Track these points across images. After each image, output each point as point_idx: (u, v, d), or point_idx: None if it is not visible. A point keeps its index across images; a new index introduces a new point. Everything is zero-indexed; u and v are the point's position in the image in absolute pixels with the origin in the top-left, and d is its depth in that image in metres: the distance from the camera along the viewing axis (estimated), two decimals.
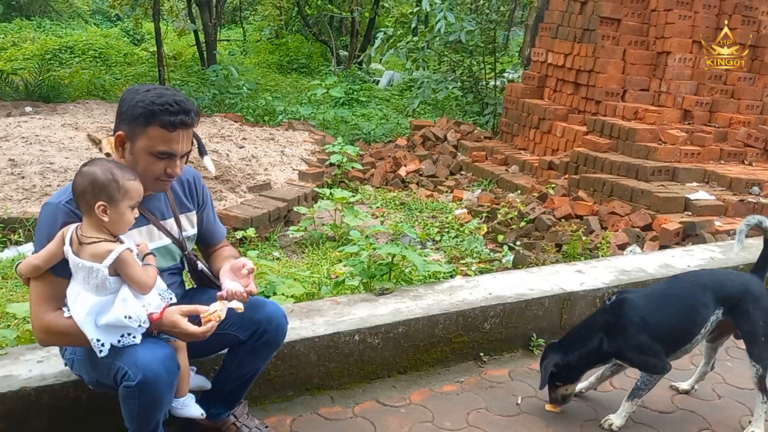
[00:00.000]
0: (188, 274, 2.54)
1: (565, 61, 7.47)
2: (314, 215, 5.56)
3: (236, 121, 9.27)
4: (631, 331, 2.80)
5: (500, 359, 3.47)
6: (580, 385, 3.16)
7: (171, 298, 2.24)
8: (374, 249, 3.52)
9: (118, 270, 2.01)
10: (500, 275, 3.79)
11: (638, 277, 3.89)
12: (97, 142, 4.98)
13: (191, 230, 2.46)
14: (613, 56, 7.00)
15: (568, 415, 3.02)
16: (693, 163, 6.11)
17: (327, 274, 4.53)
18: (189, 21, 14.28)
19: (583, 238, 4.75)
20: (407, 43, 9.35)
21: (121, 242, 2.07)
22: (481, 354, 3.44)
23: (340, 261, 5.00)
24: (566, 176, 6.52)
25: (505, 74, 10.46)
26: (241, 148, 7.50)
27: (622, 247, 4.77)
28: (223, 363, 2.56)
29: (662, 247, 4.81)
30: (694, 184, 5.83)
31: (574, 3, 7.41)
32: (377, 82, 15.08)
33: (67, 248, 2.04)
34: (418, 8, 9.09)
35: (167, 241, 2.37)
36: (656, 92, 6.96)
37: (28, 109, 8.85)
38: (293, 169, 7.05)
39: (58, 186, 5.54)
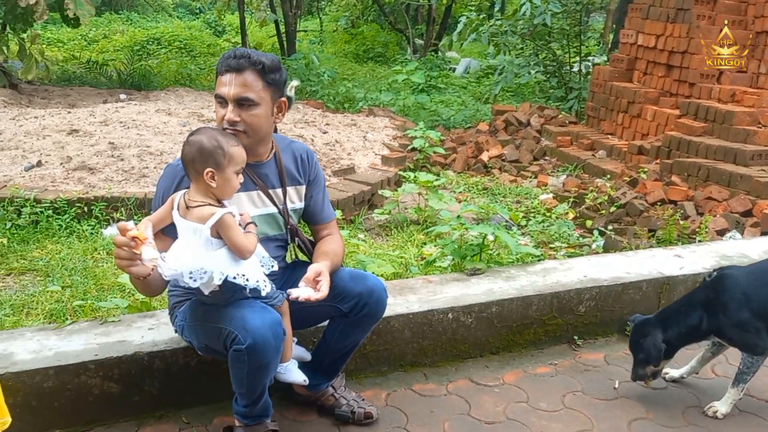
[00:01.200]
0: (293, 246, 2.61)
1: (656, 43, 7.19)
2: (398, 198, 5.58)
3: (318, 108, 9.41)
4: (733, 308, 2.70)
5: (595, 343, 3.41)
6: (681, 370, 3.07)
7: (272, 266, 2.30)
8: (466, 229, 3.51)
9: (219, 232, 2.10)
10: (594, 258, 3.72)
11: (740, 263, 3.72)
12: None
13: (298, 203, 2.52)
14: (708, 36, 6.68)
15: (669, 401, 2.94)
16: None
17: (413, 256, 4.55)
18: (270, 11, 14.58)
19: (682, 223, 4.58)
20: (489, 27, 9.21)
21: (225, 207, 2.16)
22: (575, 337, 3.39)
23: (425, 244, 5.01)
24: (657, 161, 6.30)
25: (590, 59, 10.15)
26: (324, 133, 7.61)
27: (721, 233, 4.57)
28: (324, 335, 2.62)
29: (764, 234, 4.59)
30: None
31: None
32: (453, 70, 14.95)
33: (175, 212, 2.15)
34: None
35: (273, 209, 2.44)
36: (755, 74, 6.61)
37: (123, 96, 9.27)
38: (375, 154, 7.10)
39: (154, 168, 5.78)
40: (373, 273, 3.78)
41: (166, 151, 6.22)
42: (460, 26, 9.29)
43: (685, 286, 3.56)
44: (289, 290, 2.23)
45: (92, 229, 4.71)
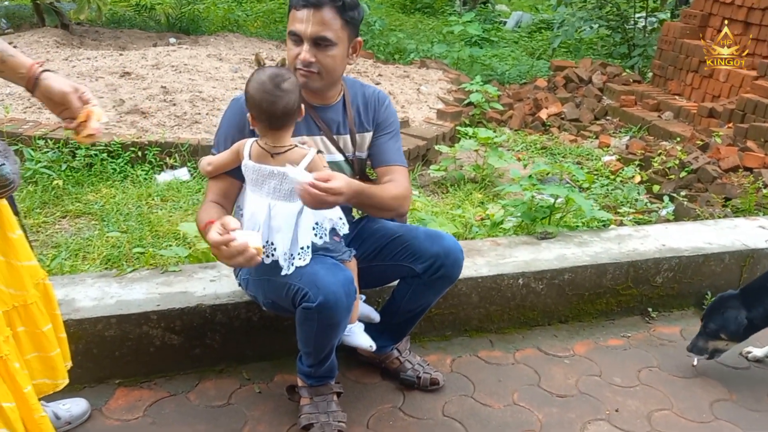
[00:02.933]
0: None
1: None
2: (455, 155, 5.38)
3: (368, 59, 9.15)
4: None
5: (669, 316, 3.24)
6: (765, 349, 2.88)
7: (344, 224, 2.17)
8: (538, 190, 3.32)
9: (309, 168, 1.96)
10: (672, 226, 3.50)
11: None
12: (261, 63, 5.08)
13: (365, 152, 2.37)
14: None
15: (752, 382, 2.77)
16: None
17: (473, 215, 4.37)
18: None
19: (763, 190, 4.30)
20: None
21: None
22: (649, 309, 3.22)
23: (483, 203, 4.83)
24: (730, 125, 5.94)
25: (656, 14, 9.62)
26: (377, 84, 7.38)
27: None
28: (393, 295, 2.49)
29: None
30: None
31: None
32: (504, 24, 14.43)
33: (246, 162, 2.02)
34: None
35: (339, 157, 2.29)
36: None
37: (172, 40, 9.13)
38: (430, 108, 6.87)
39: (207, 114, 5.67)
40: None
41: (218, 97, 6.09)
42: None
43: None
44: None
45: (146, 174, 4.64)
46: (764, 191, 4.29)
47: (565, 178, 5.39)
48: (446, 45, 10.62)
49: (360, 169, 2.34)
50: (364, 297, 2.48)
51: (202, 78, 6.54)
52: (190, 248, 3.01)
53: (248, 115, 2.00)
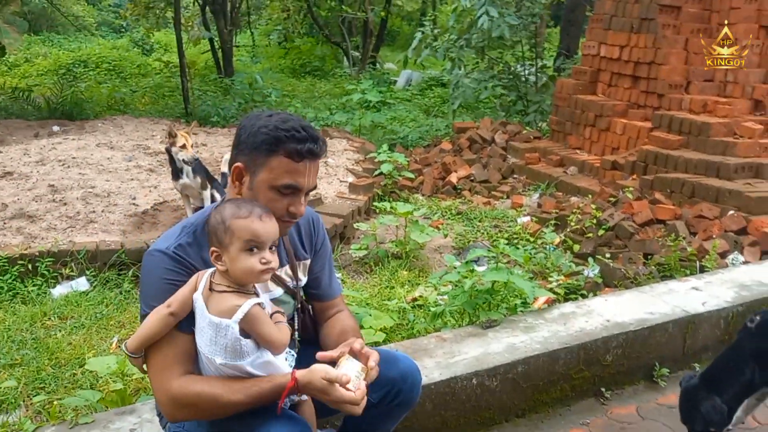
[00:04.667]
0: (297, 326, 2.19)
1: (620, 54, 7.06)
2: (375, 231, 5.20)
3: None
4: None
5: (622, 394, 3.13)
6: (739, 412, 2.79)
7: (294, 355, 1.93)
8: (477, 277, 3.16)
9: (248, 329, 1.68)
10: (611, 297, 3.43)
11: (761, 293, 3.52)
12: (173, 136, 4.82)
13: (305, 279, 2.13)
14: (674, 46, 6.58)
15: None
16: None
17: (403, 298, 4.18)
18: (203, 28, 13.99)
19: (688, 249, 4.36)
20: (444, 42, 8.97)
21: (257, 295, 1.75)
22: (602, 389, 3.10)
23: (409, 281, 4.66)
24: (634, 177, 6.13)
25: (544, 70, 10.02)
26: None
27: (722, 255, 4.38)
28: (345, 425, 2.22)
29: (764, 253, 4.43)
30: None
31: None
32: (395, 83, 14.73)
33: (197, 296, 1.72)
34: (455, 4, 8.68)
35: (280, 291, 2.04)
36: (722, 82, 6.54)
37: (56, 128, 8.55)
38: (340, 181, 6.71)
39: (102, 211, 5.24)
40: (371, 327, 3.41)
41: (113, 192, 5.67)
42: (415, 42, 8.99)
43: (710, 324, 3.32)
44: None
45: (39, 289, 4.16)
46: (689, 249, 4.36)
47: (484, 244, 5.33)
48: (347, 112, 10.61)
49: (300, 297, 2.10)
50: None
51: (94, 171, 6.09)
52: (101, 390, 2.61)
53: (212, 250, 1.72)
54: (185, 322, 1.75)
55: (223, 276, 1.70)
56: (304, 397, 1.91)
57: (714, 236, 4.59)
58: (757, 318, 2.55)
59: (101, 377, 2.87)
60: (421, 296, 4.10)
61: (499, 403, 2.83)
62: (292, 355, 1.93)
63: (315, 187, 1.91)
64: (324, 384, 1.70)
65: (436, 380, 2.65)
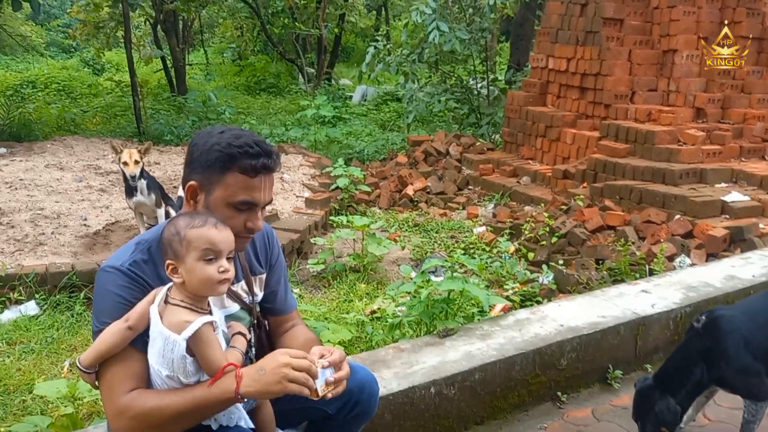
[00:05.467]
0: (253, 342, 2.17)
1: (568, 66, 7.25)
2: (332, 245, 5.21)
3: None
4: (734, 354, 2.51)
5: (578, 397, 3.18)
6: (690, 411, 2.85)
7: None
8: (433, 287, 3.19)
9: (193, 347, 1.66)
10: (564, 302, 3.50)
11: (707, 293, 3.63)
12: (118, 152, 4.79)
13: (261, 294, 2.12)
14: (619, 58, 6.79)
15: None
16: (717, 163, 5.91)
17: (361, 311, 4.19)
18: (155, 47, 13.84)
19: (637, 253, 4.48)
20: (396, 56, 9.06)
21: (211, 312, 1.72)
22: (559, 393, 3.14)
23: (367, 294, 4.67)
24: (584, 185, 6.27)
25: (496, 83, 10.19)
26: None
27: (670, 259, 4.52)
28: None
29: (709, 255, 4.58)
30: (724, 185, 5.63)
31: (573, 6, 7.19)
32: (350, 98, 14.81)
33: (153, 308, 1.68)
34: (407, 20, 8.79)
35: (236, 307, 2.02)
36: (665, 92, 6.77)
37: (2, 150, 8.32)
38: (296, 196, 6.70)
39: (52, 233, 5.11)
40: (329, 341, 3.40)
41: (63, 213, 5.55)
42: (368, 57, 9.06)
43: (660, 325, 3.41)
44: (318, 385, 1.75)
45: None
46: (638, 253, 4.47)
47: (441, 255, 5.38)
48: (301, 128, 10.61)
49: (256, 313, 2.08)
50: None
51: (43, 192, 5.94)
52: (51, 415, 2.54)
53: (167, 263, 1.69)
54: (140, 340, 1.72)
55: (180, 290, 1.68)
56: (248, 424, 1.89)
57: (662, 240, 4.73)
58: (703, 318, 2.63)
59: (51, 402, 2.79)
60: (379, 308, 4.11)
61: (458, 411, 2.84)
62: None
63: (271, 201, 1.91)
64: (286, 356, 1.69)
65: (394, 391, 2.66)
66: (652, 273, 4.23)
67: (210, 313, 1.70)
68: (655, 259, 4.34)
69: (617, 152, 6.19)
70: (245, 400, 1.75)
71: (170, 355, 1.64)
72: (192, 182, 1.81)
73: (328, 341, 3.36)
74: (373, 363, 2.83)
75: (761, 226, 4.82)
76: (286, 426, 2.25)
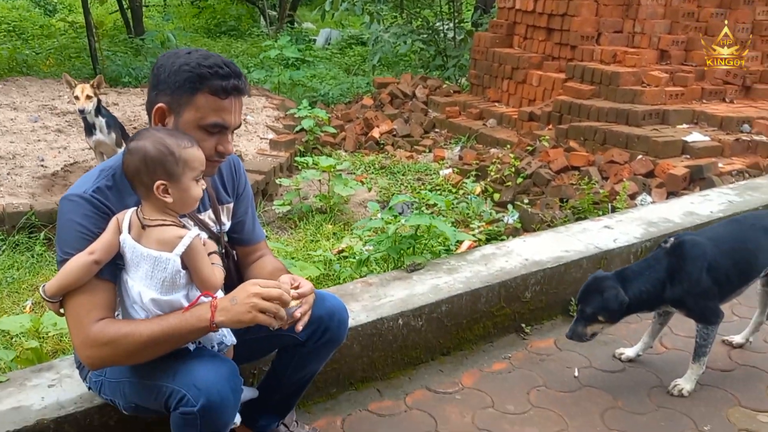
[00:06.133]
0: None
1: (534, 6, 7.17)
2: (298, 187, 5.17)
3: None
4: (696, 278, 2.59)
5: (542, 328, 3.28)
6: (636, 348, 2.98)
7: None
8: (401, 222, 3.20)
9: (187, 261, 1.66)
10: (529, 239, 3.56)
11: (667, 228, 3.73)
12: (73, 86, 4.65)
13: (228, 224, 2.10)
14: None
15: (632, 384, 2.84)
16: (680, 105, 5.98)
17: (329, 249, 4.19)
18: None
19: (600, 192, 4.54)
20: None
21: (189, 228, 1.72)
22: (523, 325, 3.23)
23: (334, 234, 4.67)
24: (550, 127, 6.30)
25: (463, 24, 10.07)
26: None
27: (632, 197, 4.60)
28: (274, 367, 2.24)
29: (670, 194, 4.68)
30: (685, 125, 5.71)
31: None
32: (314, 42, 14.49)
33: (124, 236, 1.67)
34: None
35: (204, 236, 2.00)
36: (630, 33, 6.77)
37: None
38: (261, 138, 6.60)
39: (8, 174, 4.97)
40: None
41: (18, 153, 5.38)
42: None
43: (621, 258, 3.49)
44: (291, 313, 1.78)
45: None
46: (601, 192, 4.54)
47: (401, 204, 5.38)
48: (264, 70, 10.37)
49: (224, 242, 2.07)
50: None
51: None
52: (15, 350, 2.51)
53: (158, 183, 1.67)
54: (107, 270, 1.70)
55: (157, 210, 1.67)
56: (234, 341, 1.90)
57: (624, 180, 4.80)
58: (671, 240, 2.69)
59: (15, 337, 2.76)
60: (347, 247, 4.11)
61: (425, 342, 2.90)
62: None
63: (240, 125, 1.88)
64: (256, 287, 1.70)
65: (362, 322, 2.69)
66: (614, 211, 4.31)
67: (187, 227, 1.71)
68: (617, 198, 4.42)
69: (582, 94, 6.21)
70: (219, 330, 1.76)
71: (161, 274, 1.65)
72: (160, 104, 1.76)
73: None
74: (341, 297, 2.81)
75: (720, 165, 4.92)
76: (258, 355, 2.27)
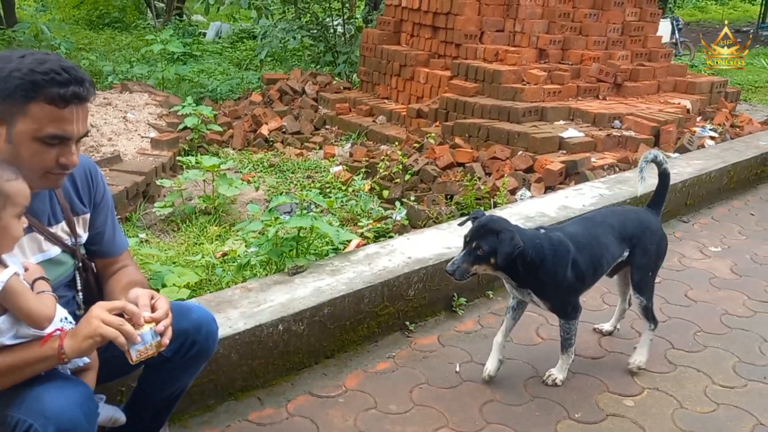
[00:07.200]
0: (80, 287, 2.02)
1: (420, 4, 7.27)
2: (181, 188, 4.98)
3: None
4: (563, 275, 2.67)
5: (426, 325, 3.31)
6: (499, 337, 2.92)
7: (71, 323, 1.78)
8: (281, 224, 3.14)
9: (5, 304, 1.52)
10: (413, 236, 3.59)
11: (543, 222, 3.87)
12: None
13: (85, 235, 1.97)
14: None
15: (508, 375, 2.92)
16: (557, 102, 6.24)
17: (212, 253, 4.06)
18: None
19: (482, 188, 4.66)
20: None
21: (5, 266, 1.56)
22: (407, 323, 3.26)
23: (219, 236, 4.54)
24: (437, 124, 6.41)
25: (353, 21, 10.07)
26: None
27: (513, 192, 4.75)
28: (140, 385, 2.13)
29: (548, 188, 4.87)
30: (562, 122, 5.97)
31: None
32: (203, 35, 14.09)
33: None
34: None
35: (57, 250, 1.86)
36: (511, 32, 7.00)
37: None
38: (142, 137, 6.31)
39: None
40: (174, 285, 3.28)
41: None
42: None
43: None
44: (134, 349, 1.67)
45: None
46: (483, 187, 4.66)
47: (295, 194, 5.32)
48: (148, 64, 9.96)
49: (81, 255, 1.94)
50: (104, 397, 2.07)
51: None
52: None
53: None
54: None
55: None
56: (87, 359, 1.79)
57: (505, 175, 4.96)
58: (543, 231, 2.73)
59: None
60: (231, 250, 4.00)
61: (308, 346, 2.86)
62: (70, 322, 1.77)
63: (87, 134, 1.75)
64: (100, 310, 1.62)
65: (240, 330, 2.61)
66: (495, 206, 4.44)
67: (5, 265, 1.56)
68: (498, 193, 4.55)
69: (467, 91, 6.36)
70: (67, 361, 1.64)
71: None
72: None
73: (174, 285, 3.23)
74: (218, 304, 2.77)
75: (593, 159, 5.18)
76: (122, 372, 2.15)
